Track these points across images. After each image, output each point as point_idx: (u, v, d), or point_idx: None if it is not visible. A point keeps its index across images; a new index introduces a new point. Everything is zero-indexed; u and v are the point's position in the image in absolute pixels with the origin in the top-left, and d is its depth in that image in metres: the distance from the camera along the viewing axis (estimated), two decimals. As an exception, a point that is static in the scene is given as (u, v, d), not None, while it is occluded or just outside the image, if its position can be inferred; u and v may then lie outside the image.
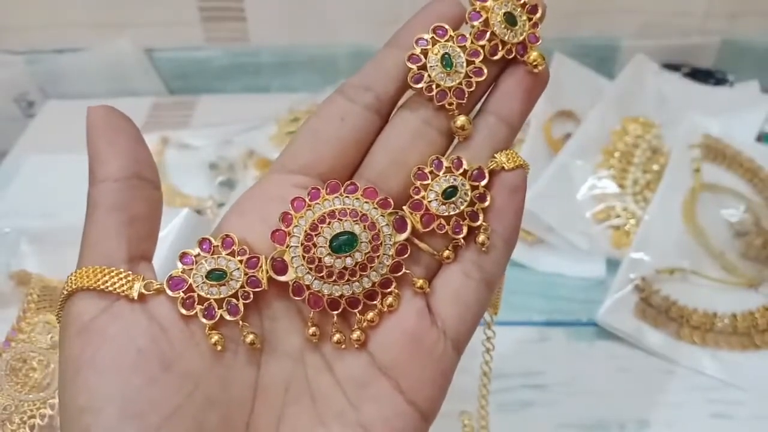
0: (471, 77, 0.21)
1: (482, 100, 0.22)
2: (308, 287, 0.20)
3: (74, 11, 0.62)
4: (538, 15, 0.21)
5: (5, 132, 0.65)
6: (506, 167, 0.21)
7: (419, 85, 0.21)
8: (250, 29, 0.64)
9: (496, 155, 0.21)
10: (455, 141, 0.22)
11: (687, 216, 0.47)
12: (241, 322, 0.20)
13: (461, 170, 0.21)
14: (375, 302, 0.20)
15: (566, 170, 0.51)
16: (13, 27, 0.63)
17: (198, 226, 0.46)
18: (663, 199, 0.48)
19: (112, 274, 0.19)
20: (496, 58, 0.21)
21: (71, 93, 0.67)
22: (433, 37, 0.21)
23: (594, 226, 0.49)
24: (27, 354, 0.37)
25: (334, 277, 0.20)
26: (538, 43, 0.21)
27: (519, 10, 0.21)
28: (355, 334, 0.20)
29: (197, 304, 0.19)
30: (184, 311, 0.19)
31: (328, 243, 0.20)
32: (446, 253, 0.21)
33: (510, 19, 0.21)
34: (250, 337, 0.20)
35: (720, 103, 0.57)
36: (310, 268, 0.20)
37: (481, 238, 0.21)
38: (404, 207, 0.21)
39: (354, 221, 0.20)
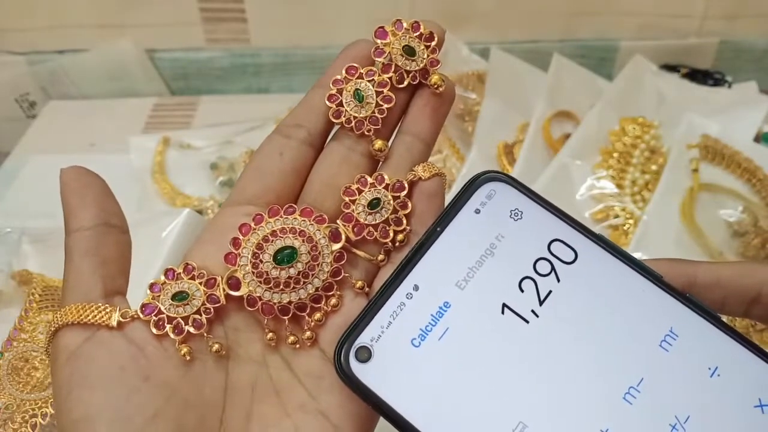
0: (382, 105, 0.24)
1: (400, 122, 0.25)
2: (260, 298, 0.22)
3: (76, 12, 0.62)
4: (435, 42, 0.24)
5: (7, 132, 0.65)
6: (423, 177, 0.24)
7: (339, 120, 0.24)
8: (251, 30, 0.64)
9: (414, 168, 0.24)
10: (381, 162, 0.25)
11: (685, 216, 0.47)
12: (206, 335, 0.22)
13: (384, 184, 0.24)
14: (321, 305, 0.23)
15: (565, 170, 0.51)
16: (14, 28, 0.63)
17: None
18: (661, 199, 0.48)
19: (92, 308, 0.21)
20: (402, 85, 0.24)
21: (73, 94, 0.67)
22: (345, 76, 0.24)
23: (593, 226, 0.49)
24: (29, 353, 0.37)
25: (281, 287, 0.22)
26: (439, 67, 0.24)
27: (416, 41, 0.24)
28: (307, 334, 0.23)
29: (167, 323, 0.22)
30: (156, 331, 0.22)
31: (272, 258, 0.22)
32: (380, 257, 0.24)
33: (409, 51, 0.24)
34: (215, 347, 0.22)
35: (718, 104, 0.57)
36: (260, 281, 0.22)
37: (400, 237, 0.24)
38: (338, 220, 0.24)
39: (294, 237, 0.23)
